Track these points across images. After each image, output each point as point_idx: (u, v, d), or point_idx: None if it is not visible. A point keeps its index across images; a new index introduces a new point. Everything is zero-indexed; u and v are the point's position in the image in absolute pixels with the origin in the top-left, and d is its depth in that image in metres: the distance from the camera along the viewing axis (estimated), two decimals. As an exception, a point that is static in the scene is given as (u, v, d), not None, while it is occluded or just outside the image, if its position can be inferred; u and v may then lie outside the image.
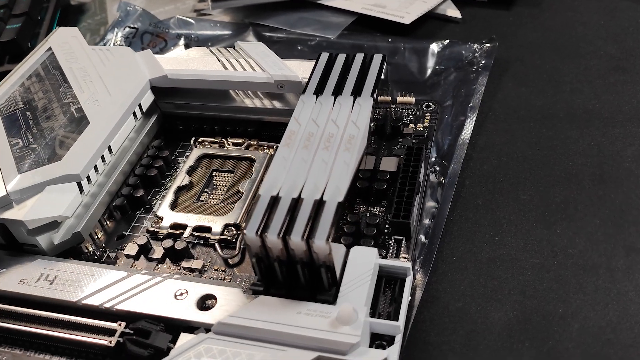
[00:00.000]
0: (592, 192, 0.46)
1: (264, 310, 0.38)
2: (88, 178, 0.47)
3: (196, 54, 0.56)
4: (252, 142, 0.53)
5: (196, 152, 0.53)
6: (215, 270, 0.44)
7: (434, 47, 0.60)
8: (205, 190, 0.50)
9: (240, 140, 0.53)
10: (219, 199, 0.49)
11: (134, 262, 0.46)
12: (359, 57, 0.49)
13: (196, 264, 0.45)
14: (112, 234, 0.48)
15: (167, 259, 0.46)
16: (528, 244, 0.43)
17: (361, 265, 0.39)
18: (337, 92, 0.46)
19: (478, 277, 0.42)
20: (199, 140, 0.54)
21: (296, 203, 0.39)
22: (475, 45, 0.58)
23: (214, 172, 0.52)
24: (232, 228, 0.46)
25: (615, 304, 0.39)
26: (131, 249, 0.46)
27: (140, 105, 0.53)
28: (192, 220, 0.47)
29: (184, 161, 0.53)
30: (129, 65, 0.55)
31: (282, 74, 0.51)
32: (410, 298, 0.41)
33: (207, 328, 0.38)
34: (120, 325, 0.40)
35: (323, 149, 0.42)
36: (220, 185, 0.51)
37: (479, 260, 0.43)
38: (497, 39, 0.59)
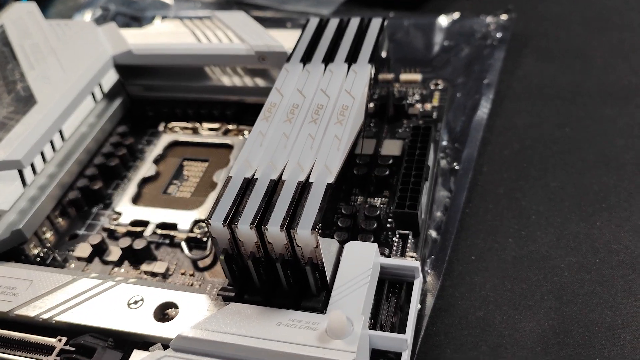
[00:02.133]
0: (636, 177, 0.38)
1: (236, 320, 0.30)
2: (32, 167, 0.40)
3: (167, 27, 0.49)
4: (230, 127, 0.46)
5: (165, 139, 0.45)
6: (182, 274, 0.37)
7: (442, 21, 0.52)
8: (174, 181, 0.43)
9: (216, 125, 0.46)
10: (190, 192, 0.42)
11: (87, 265, 0.38)
12: (354, 22, 0.42)
13: (159, 266, 0.37)
14: (63, 234, 0.41)
15: (126, 261, 0.38)
16: (562, 239, 0.35)
17: (358, 265, 0.31)
18: (329, 59, 0.39)
19: (502, 279, 0.34)
20: (169, 125, 0.47)
21: (275, 186, 0.31)
22: (489, 18, 0.51)
23: (185, 162, 0.44)
24: (203, 224, 0.39)
25: (676, 310, 0.31)
26: (83, 250, 0.39)
27: (100, 86, 0.46)
28: (156, 215, 0.40)
29: (150, 149, 0.46)
30: (88, 40, 0.47)
31: (264, 43, 0.43)
32: (419, 306, 0.33)
33: (165, 343, 0.31)
34: (59, 340, 0.32)
35: (310, 122, 0.34)
36: (191, 176, 0.43)
37: (503, 260, 0.35)
38: (515, 12, 0.51)
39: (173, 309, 0.32)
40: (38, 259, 0.39)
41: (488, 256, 0.35)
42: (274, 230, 0.29)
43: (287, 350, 0.28)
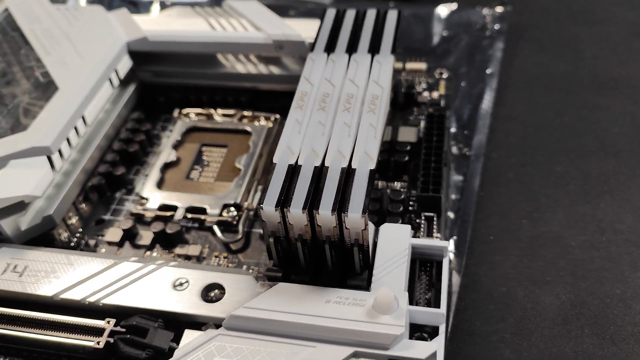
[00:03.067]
0: (632, 162, 0.41)
1: (285, 299, 0.32)
2: (60, 152, 0.40)
3: (178, 14, 0.49)
4: (245, 113, 0.47)
5: (182, 125, 0.46)
6: (216, 256, 0.38)
7: (440, 12, 0.55)
8: (195, 166, 0.44)
9: (231, 112, 0.47)
10: (213, 177, 0.43)
11: (118, 249, 0.39)
12: (371, 14, 0.44)
13: (193, 250, 0.38)
14: (88, 219, 0.41)
15: (157, 245, 0.39)
16: (571, 220, 0.38)
17: (394, 245, 0.34)
18: (351, 49, 0.40)
19: (521, 257, 0.37)
20: (184, 111, 0.48)
21: (320, 172, 0.33)
22: (485, 10, 0.54)
23: (204, 147, 0.45)
24: (232, 208, 0.40)
25: (676, 281, 0.35)
26: (114, 234, 0.39)
27: (116, 72, 0.46)
28: (183, 200, 0.41)
29: (168, 135, 0.47)
30: (101, 26, 0.47)
31: (282, 32, 0.44)
32: (448, 283, 0.35)
33: (216, 323, 0.32)
34: (108, 322, 0.33)
35: (343, 110, 0.36)
36: (212, 162, 0.44)
37: (520, 239, 0.38)
38: (511, 3, 0.54)
39: (218, 290, 0.34)
40: (70, 245, 0.39)
41: (505, 236, 0.38)
42: (325, 214, 0.31)
43: (339, 326, 0.30)
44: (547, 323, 0.33)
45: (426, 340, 0.32)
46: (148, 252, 0.39)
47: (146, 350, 0.32)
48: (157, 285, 0.34)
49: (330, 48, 0.41)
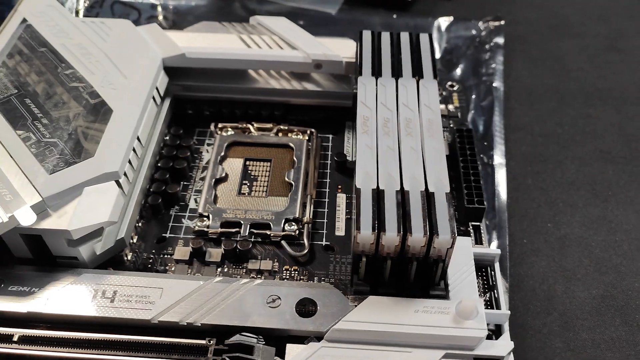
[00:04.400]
0: (627, 168, 0.48)
1: (378, 311, 0.36)
2: (125, 175, 0.41)
3: (207, 29, 0.50)
4: (282, 127, 0.49)
5: (223, 140, 0.48)
6: (286, 269, 0.41)
7: (438, 24, 0.59)
8: (244, 181, 0.46)
9: (268, 125, 0.49)
10: (264, 191, 0.45)
11: (188, 267, 0.41)
12: (404, 36, 0.47)
13: (264, 265, 0.41)
14: (146, 237, 0.43)
15: (226, 261, 0.41)
16: (586, 222, 0.45)
17: (461, 255, 0.39)
18: (397, 73, 0.44)
19: (552, 257, 0.43)
20: (219, 125, 0.49)
21: (402, 196, 0.37)
22: (481, 23, 0.59)
23: (247, 161, 0.47)
24: (293, 223, 0.43)
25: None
26: (182, 253, 0.41)
27: (157, 89, 0.47)
28: (242, 216, 0.43)
29: (207, 150, 0.48)
30: (134, 42, 0.48)
31: (321, 53, 0.47)
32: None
33: (317, 336, 0.36)
34: (209, 342, 0.35)
35: (407, 135, 0.40)
36: (259, 176, 0.47)
37: (548, 241, 0.44)
38: (494, 16, 0.60)
39: (309, 304, 0.37)
40: (138, 265, 0.41)
41: (536, 238, 0.44)
42: (417, 236, 0.35)
43: (430, 332, 0.35)
44: (585, 315, 0.40)
45: (491, 339, 0.37)
46: (219, 269, 0.41)
47: (253, 365, 0.35)
48: (250, 303, 0.37)
49: (377, 72, 0.44)
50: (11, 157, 0.39)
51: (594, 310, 0.40)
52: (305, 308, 0.37)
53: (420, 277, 0.37)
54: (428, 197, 0.36)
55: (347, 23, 0.60)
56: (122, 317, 0.36)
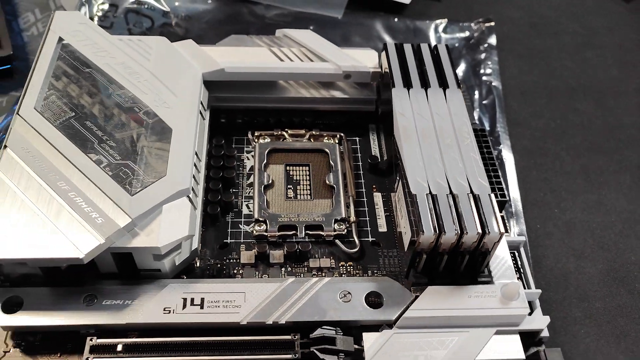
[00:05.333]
0: (615, 157, 0.56)
1: (437, 299, 0.42)
2: (193, 190, 0.44)
3: (238, 43, 0.53)
4: (314, 132, 0.54)
5: (263, 147, 0.52)
6: (342, 265, 0.46)
7: (435, 26, 0.64)
8: (289, 186, 0.50)
9: (301, 132, 0.54)
10: (308, 194, 0.50)
11: (255, 270, 0.45)
12: (425, 48, 0.52)
13: (324, 262, 0.46)
14: (209, 245, 0.46)
15: (288, 261, 0.46)
16: (586, 207, 0.52)
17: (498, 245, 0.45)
18: (426, 84, 0.49)
19: (563, 239, 0.50)
20: (256, 133, 0.53)
21: (453, 199, 0.42)
22: (474, 24, 0.64)
23: (288, 167, 0.52)
24: (341, 222, 0.48)
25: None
26: (247, 257, 0.45)
27: (202, 103, 0.50)
28: (297, 219, 0.47)
29: (247, 157, 0.52)
30: (174, 58, 0.50)
31: (351, 64, 0.52)
32: (523, 266, 0.47)
33: (388, 324, 0.41)
34: (294, 337, 0.40)
35: (444, 143, 0.45)
36: (301, 180, 0.51)
37: (558, 225, 0.51)
38: (480, 16, 0.65)
39: (375, 296, 0.42)
40: (208, 271, 0.45)
41: (547, 224, 0.51)
42: (472, 234, 0.40)
43: (483, 314, 0.41)
44: (595, 287, 0.47)
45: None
46: (282, 269, 0.45)
47: (338, 355, 0.40)
48: (324, 299, 0.42)
49: (408, 84, 0.49)
50: (91, 181, 0.41)
51: (602, 283, 0.47)
52: (374, 300, 0.42)
53: (468, 267, 0.43)
54: (475, 199, 0.42)
55: (351, 26, 0.64)
56: (214, 321, 0.40)
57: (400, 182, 0.46)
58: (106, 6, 0.61)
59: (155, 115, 0.46)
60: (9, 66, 0.58)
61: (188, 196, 0.43)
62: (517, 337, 0.42)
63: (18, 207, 0.40)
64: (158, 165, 0.43)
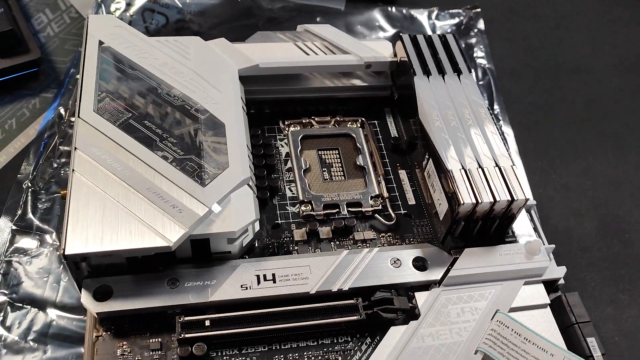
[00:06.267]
0: (596, 127, 0.64)
1: (474, 259, 0.48)
2: (251, 178, 0.49)
3: (264, 39, 0.58)
4: (338, 119, 0.59)
5: (296, 134, 0.57)
6: (382, 236, 0.52)
7: (428, 14, 0.70)
8: (323, 169, 0.55)
9: (327, 118, 0.59)
10: (342, 175, 0.55)
11: (308, 245, 0.50)
12: (435, 38, 0.58)
13: (367, 234, 0.51)
14: (262, 226, 0.51)
15: (335, 236, 0.51)
16: (578, 172, 0.60)
17: (516, 210, 0.52)
18: (441, 71, 0.55)
19: (564, 199, 0.58)
20: (287, 122, 0.58)
21: (483, 172, 0.48)
22: (461, 11, 0.71)
23: (319, 151, 0.57)
24: (376, 198, 0.53)
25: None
26: (300, 234, 0.51)
27: (241, 98, 0.54)
28: (338, 198, 0.53)
29: (282, 145, 0.57)
30: (211, 57, 0.54)
31: (371, 55, 0.57)
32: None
33: (435, 283, 0.47)
34: (357, 300, 0.46)
35: (469, 125, 0.51)
36: (333, 163, 0.56)
37: (558, 189, 0.58)
38: (467, 3, 0.72)
39: (420, 261, 0.49)
40: (269, 249, 0.49)
41: (548, 188, 0.58)
42: (503, 201, 0.47)
43: (513, 268, 0.48)
44: (594, 239, 0.55)
45: (544, 266, 0.52)
46: (332, 243, 0.51)
47: (397, 313, 0.46)
48: (378, 266, 0.48)
49: (426, 72, 0.55)
50: (163, 176, 0.45)
51: (599, 236, 0.55)
52: (419, 264, 0.49)
53: (497, 230, 0.50)
54: (500, 170, 0.49)
55: (353, 16, 0.69)
56: (287, 292, 0.45)
57: (430, 160, 0.52)
58: (121, 5, 0.63)
59: (206, 111, 0.50)
60: (36, 69, 0.60)
61: (248, 184, 0.48)
62: (542, 286, 0.49)
63: (103, 205, 0.43)
64: (219, 157, 0.48)
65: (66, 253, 0.41)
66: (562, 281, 0.50)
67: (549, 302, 0.48)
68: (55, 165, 0.54)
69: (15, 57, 0.58)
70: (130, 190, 0.44)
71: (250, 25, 0.67)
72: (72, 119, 0.57)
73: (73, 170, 0.45)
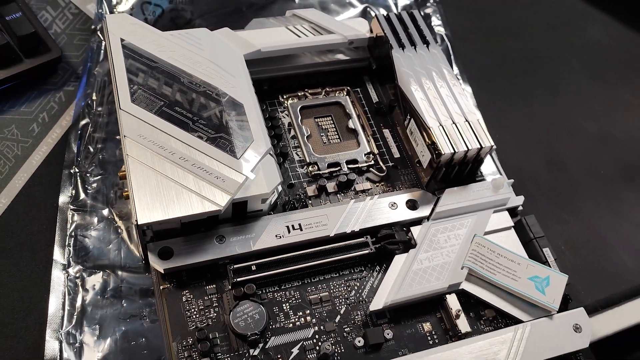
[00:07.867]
0: (537, 78, 0.77)
1: (453, 197, 0.60)
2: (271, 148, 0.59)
3: (260, 25, 0.66)
4: (328, 89, 0.69)
5: (294, 106, 0.66)
6: (377, 185, 0.63)
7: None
8: (321, 134, 0.66)
9: (318, 90, 0.69)
10: (338, 138, 0.66)
11: (319, 199, 0.61)
12: (404, 15, 0.68)
13: (366, 185, 0.63)
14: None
15: (339, 189, 0.62)
16: (525, 118, 0.73)
17: (481, 154, 0.64)
18: (413, 44, 0.66)
19: (515, 142, 0.70)
20: (285, 96, 0.68)
21: (456, 126, 0.60)
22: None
23: (316, 119, 0.67)
24: (369, 155, 0.65)
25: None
26: (312, 190, 0.61)
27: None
28: (338, 158, 0.64)
29: (283, 116, 0.66)
30: (219, 45, 0.63)
31: (353, 34, 0.67)
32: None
33: (426, 218, 0.60)
34: (367, 238, 0.58)
35: (441, 87, 0.63)
36: (328, 128, 0.67)
37: (511, 132, 0.71)
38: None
39: (411, 202, 0.60)
40: (289, 204, 0.60)
41: (502, 132, 0.71)
42: (474, 149, 0.59)
43: (485, 201, 0.60)
44: (542, 172, 0.69)
45: (505, 197, 0.65)
46: (337, 195, 0.62)
47: (399, 245, 0.58)
48: (379, 210, 0.59)
49: (401, 45, 0.65)
50: (203, 152, 0.55)
51: (547, 169, 0.69)
52: (411, 205, 0.61)
53: (469, 172, 0.62)
54: (469, 124, 0.61)
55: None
56: (313, 237, 0.56)
57: (411, 120, 0.63)
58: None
59: (225, 94, 0.59)
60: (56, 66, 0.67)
61: (270, 153, 0.58)
62: (506, 212, 0.62)
63: (158, 181, 0.52)
64: (244, 133, 0.57)
65: (139, 222, 0.50)
66: (521, 207, 0.63)
67: (512, 224, 0.61)
68: (92, 150, 0.62)
69: (39, 56, 0.65)
70: (178, 167, 0.54)
71: (236, 10, 0.75)
72: (100, 108, 0.64)
73: (127, 154, 0.54)
